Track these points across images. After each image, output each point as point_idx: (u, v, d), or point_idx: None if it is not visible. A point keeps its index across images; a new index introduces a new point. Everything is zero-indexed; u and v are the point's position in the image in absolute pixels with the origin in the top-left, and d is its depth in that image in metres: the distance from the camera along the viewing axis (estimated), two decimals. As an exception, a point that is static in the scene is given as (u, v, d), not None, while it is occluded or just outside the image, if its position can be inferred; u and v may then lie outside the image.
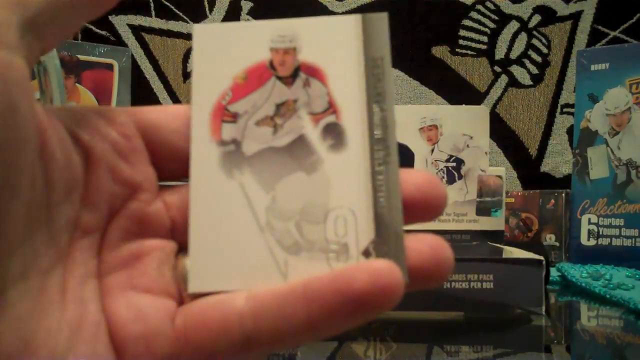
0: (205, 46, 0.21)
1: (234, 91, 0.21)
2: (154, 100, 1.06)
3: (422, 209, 0.19)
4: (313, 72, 0.21)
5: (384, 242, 0.19)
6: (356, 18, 0.21)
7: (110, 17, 1.14)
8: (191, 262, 0.20)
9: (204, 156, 0.20)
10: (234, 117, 0.21)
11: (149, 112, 0.21)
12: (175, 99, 1.14)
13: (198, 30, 0.22)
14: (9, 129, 0.16)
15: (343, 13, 1.09)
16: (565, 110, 1.10)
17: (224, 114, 0.21)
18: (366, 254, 0.19)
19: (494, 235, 0.60)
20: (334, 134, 0.20)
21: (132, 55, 1.07)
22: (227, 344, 0.18)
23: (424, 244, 0.19)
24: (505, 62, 1.11)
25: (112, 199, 0.19)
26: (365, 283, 0.17)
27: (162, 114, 0.21)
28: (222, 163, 0.20)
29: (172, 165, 0.21)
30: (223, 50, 0.21)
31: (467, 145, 0.60)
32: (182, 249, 0.21)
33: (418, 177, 0.20)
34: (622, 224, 0.73)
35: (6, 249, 0.16)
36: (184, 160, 0.21)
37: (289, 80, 0.21)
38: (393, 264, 0.18)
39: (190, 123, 0.21)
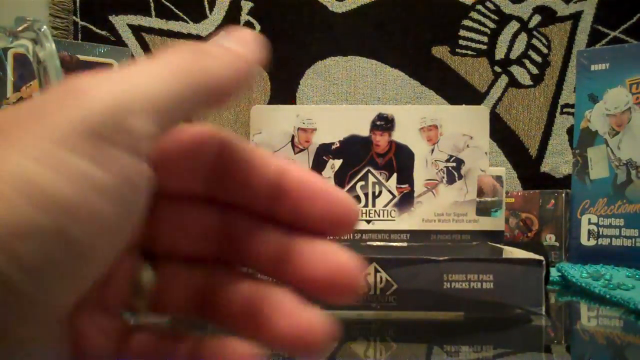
0: None
1: None
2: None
3: (331, 293, 0.18)
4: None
5: None
6: None
7: (110, 17, 1.14)
8: None
9: None
10: None
11: None
12: (175, 99, 1.14)
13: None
14: (123, 229, 0.16)
15: (342, 13, 1.09)
16: (565, 110, 1.10)
17: None
18: None
19: (494, 235, 0.60)
20: None
21: (132, 55, 1.07)
22: None
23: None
24: (505, 62, 1.11)
25: None
26: None
27: None
28: None
29: None
30: None
31: (467, 145, 0.60)
32: None
33: (337, 258, 0.18)
34: (622, 224, 0.73)
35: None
36: None
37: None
38: None
39: None
